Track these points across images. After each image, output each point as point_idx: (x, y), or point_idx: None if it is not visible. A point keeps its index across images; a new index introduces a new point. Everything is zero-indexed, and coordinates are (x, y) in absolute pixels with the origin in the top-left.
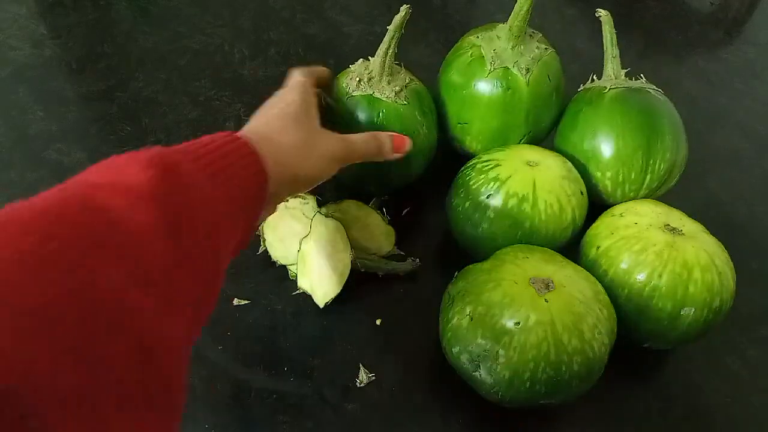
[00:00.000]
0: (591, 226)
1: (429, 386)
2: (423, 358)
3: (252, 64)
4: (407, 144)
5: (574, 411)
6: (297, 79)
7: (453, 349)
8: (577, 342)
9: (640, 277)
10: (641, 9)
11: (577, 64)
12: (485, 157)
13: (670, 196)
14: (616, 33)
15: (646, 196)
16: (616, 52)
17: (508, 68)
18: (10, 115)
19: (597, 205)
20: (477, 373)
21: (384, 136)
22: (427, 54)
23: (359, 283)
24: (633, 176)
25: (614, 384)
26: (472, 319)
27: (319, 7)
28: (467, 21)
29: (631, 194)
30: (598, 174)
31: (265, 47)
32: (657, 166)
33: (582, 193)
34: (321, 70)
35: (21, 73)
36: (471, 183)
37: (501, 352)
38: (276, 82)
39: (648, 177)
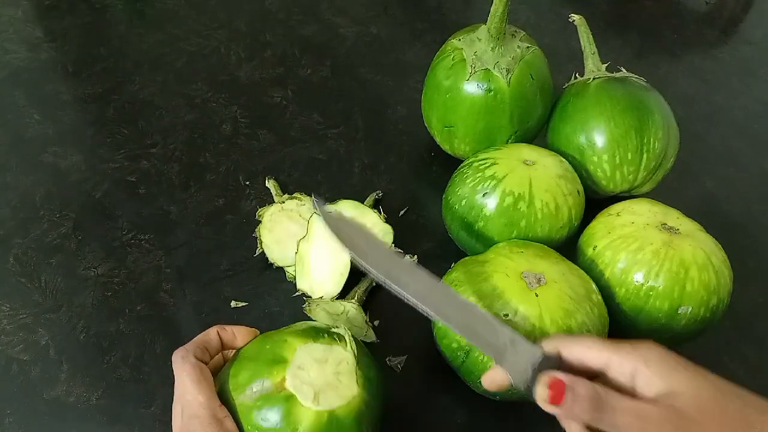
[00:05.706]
0: (588, 226)
1: (427, 384)
2: (421, 355)
3: (248, 66)
4: None
5: None
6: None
7: (443, 338)
8: None
9: (637, 276)
10: (637, 8)
11: (573, 64)
12: (482, 156)
13: (666, 194)
14: (611, 32)
15: (645, 180)
16: (594, 49)
17: (488, 70)
18: (6, 118)
19: (596, 200)
20: (465, 363)
21: None
22: (423, 55)
23: (358, 282)
24: (630, 156)
25: None
26: None
27: (315, 9)
28: (463, 21)
29: (630, 177)
30: (595, 159)
31: (261, 49)
32: (652, 144)
33: (579, 192)
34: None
35: (17, 76)
36: (467, 181)
37: None
38: (272, 84)
39: (645, 156)
